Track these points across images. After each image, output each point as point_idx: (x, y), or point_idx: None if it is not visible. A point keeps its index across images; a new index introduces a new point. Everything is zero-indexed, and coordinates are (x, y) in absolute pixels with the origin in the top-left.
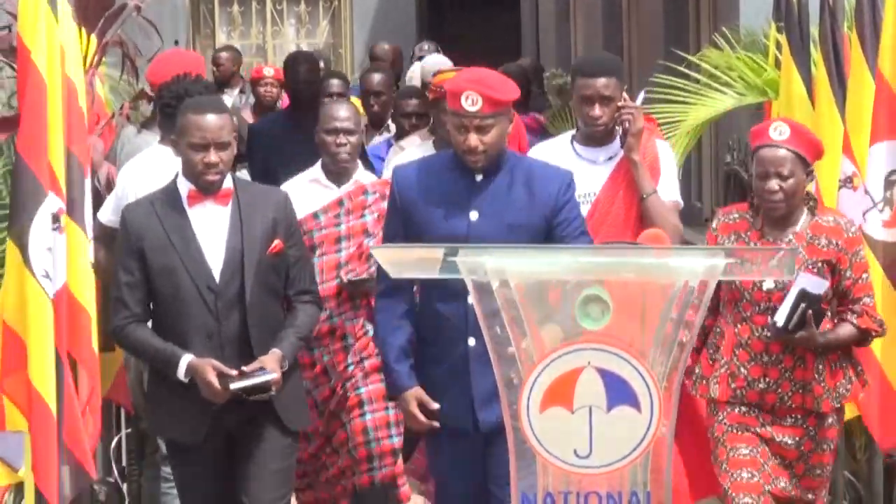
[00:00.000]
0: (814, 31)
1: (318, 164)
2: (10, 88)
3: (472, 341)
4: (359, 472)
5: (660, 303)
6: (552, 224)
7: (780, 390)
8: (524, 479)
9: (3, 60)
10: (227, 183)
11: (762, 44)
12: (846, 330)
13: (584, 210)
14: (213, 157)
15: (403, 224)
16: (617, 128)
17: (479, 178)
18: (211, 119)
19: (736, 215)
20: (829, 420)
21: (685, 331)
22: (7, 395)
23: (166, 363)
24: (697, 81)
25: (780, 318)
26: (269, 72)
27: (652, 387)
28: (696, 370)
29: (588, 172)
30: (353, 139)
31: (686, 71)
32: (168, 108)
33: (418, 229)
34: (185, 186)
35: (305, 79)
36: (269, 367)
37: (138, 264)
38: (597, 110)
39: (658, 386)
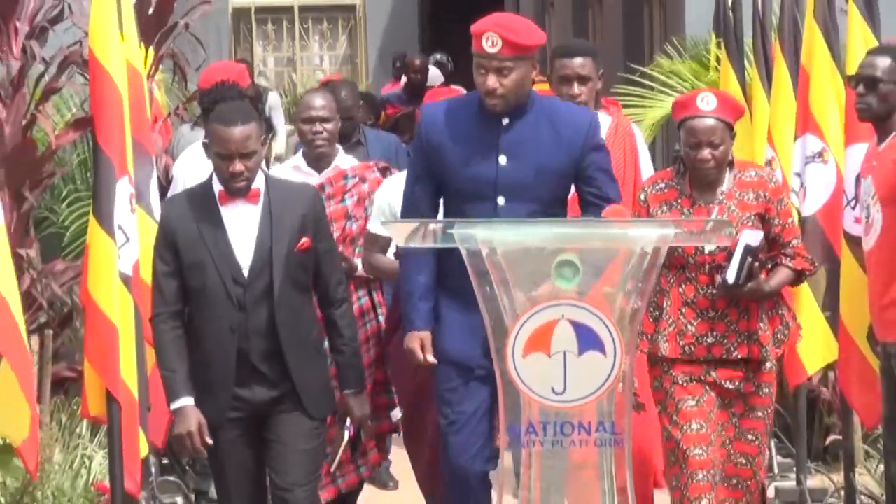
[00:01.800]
0: (747, 41)
1: (301, 152)
2: (83, 94)
3: None
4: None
5: (622, 265)
6: (581, 166)
7: (726, 342)
8: (511, 412)
9: (77, 71)
10: (258, 182)
11: (704, 53)
12: (784, 274)
13: None
14: (238, 166)
15: (429, 165)
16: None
17: (505, 121)
18: (236, 130)
19: (662, 185)
20: (768, 364)
21: (643, 286)
22: (95, 377)
23: (170, 386)
24: (652, 88)
25: (731, 275)
26: None
27: (615, 335)
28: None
29: None
30: (329, 126)
31: (640, 80)
32: (208, 111)
33: (446, 172)
34: (217, 186)
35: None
36: (356, 413)
37: (173, 257)
38: (575, 88)
39: (620, 334)
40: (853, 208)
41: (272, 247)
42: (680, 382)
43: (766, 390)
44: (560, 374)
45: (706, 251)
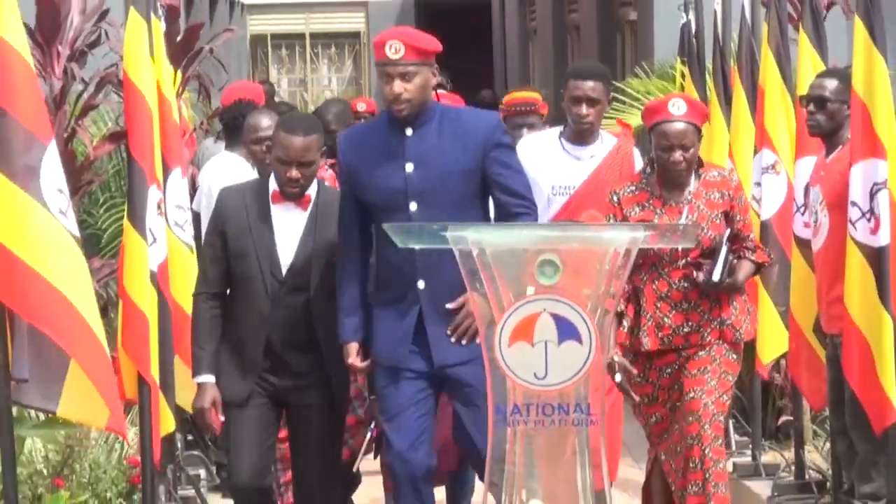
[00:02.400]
0: (708, 64)
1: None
2: (118, 111)
3: (421, 284)
4: None
5: (596, 264)
6: (486, 164)
7: (701, 330)
8: (498, 395)
9: (113, 90)
10: (311, 189)
11: (671, 74)
12: (749, 266)
13: (562, 201)
14: (294, 173)
15: (349, 184)
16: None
17: (409, 131)
18: (298, 140)
19: (633, 187)
20: (736, 337)
21: (616, 283)
22: (129, 363)
23: (196, 361)
24: (623, 102)
25: (717, 274)
26: (361, 106)
27: (591, 326)
28: (624, 324)
29: (572, 167)
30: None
31: (615, 95)
32: (228, 125)
33: (361, 188)
34: (273, 185)
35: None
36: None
37: (221, 243)
38: (584, 109)
39: (595, 326)
40: (802, 214)
41: (313, 250)
42: (665, 375)
43: (734, 356)
44: (542, 361)
45: (679, 248)
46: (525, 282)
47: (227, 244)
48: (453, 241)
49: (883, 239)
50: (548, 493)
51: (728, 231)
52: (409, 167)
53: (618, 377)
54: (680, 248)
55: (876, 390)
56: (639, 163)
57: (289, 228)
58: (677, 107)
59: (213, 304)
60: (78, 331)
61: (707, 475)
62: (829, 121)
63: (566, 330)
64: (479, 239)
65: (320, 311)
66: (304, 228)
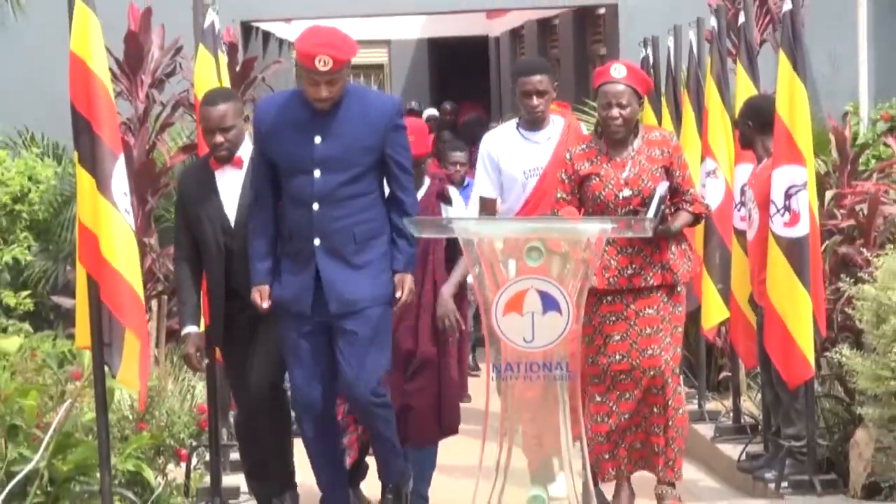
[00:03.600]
0: (663, 90)
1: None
2: (191, 128)
3: (317, 241)
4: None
5: (572, 250)
6: (385, 142)
7: (643, 272)
8: (494, 355)
9: (185, 111)
10: (242, 151)
11: None
12: (686, 216)
13: (534, 181)
14: (218, 138)
15: (262, 148)
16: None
17: (322, 108)
18: (215, 109)
19: (584, 146)
20: (679, 288)
21: (588, 265)
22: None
23: (180, 316)
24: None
25: (649, 216)
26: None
27: (569, 300)
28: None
29: (534, 150)
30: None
31: (587, 110)
32: None
33: (273, 154)
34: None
35: None
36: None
37: (183, 213)
38: (535, 100)
39: (572, 299)
40: (739, 210)
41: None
42: (608, 322)
43: (679, 308)
44: (529, 327)
45: (621, 196)
46: (515, 264)
47: (188, 215)
48: (458, 232)
49: (801, 231)
50: (535, 434)
51: (663, 182)
52: (318, 139)
53: None
54: (622, 196)
55: (790, 352)
56: (585, 132)
57: (230, 188)
58: (618, 71)
59: (187, 265)
60: (134, 308)
61: (669, 422)
62: (743, 136)
63: (549, 303)
64: (478, 230)
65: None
66: (243, 184)
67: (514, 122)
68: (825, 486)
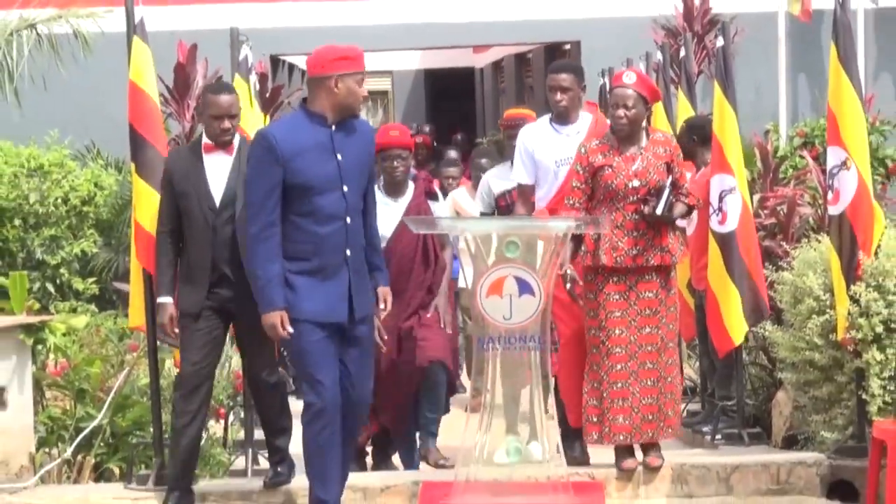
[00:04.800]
0: None
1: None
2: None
3: (348, 252)
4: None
5: (544, 244)
6: (370, 161)
7: (645, 254)
8: (479, 332)
9: None
10: (234, 140)
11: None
12: (681, 208)
13: (565, 170)
14: (226, 123)
15: (282, 172)
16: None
17: (333, 128)
18: (225, 97)
19: (597, 142)
20: (672, 273)
21: (558, 257)
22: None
23: (157, 287)
24: None
25: (660, 208)
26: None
27: (541, 285)
28: (583, 247)
29: (565, 142)
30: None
31: None
32: None
33: (302, 175)
34: (205, 140)
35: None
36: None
37: (169, 188)
38: (558, 95)
39: (543, 285)
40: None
41: (237, 184)
42: (611, 299)
43: (672, 291)
44: (508, 307)
45: (631, 186)
46: (495, 255)
47: (174, 189)
48: (448, 229)
49: (729, 227)
50: (513, 397)
51: (670, 177)
52: (339, 156)
53: (568, 285)
54: (631, 186)
55: (720, 327)
56: None
57: (218, 171)
58: (629, 77)
59: (170, 239)
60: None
61: (661, 389)
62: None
63: (524, 287)
64: (465, 227)
65: (242, 235)
66: (231, 168)
67: (547, 117)
68: (752, 437)
